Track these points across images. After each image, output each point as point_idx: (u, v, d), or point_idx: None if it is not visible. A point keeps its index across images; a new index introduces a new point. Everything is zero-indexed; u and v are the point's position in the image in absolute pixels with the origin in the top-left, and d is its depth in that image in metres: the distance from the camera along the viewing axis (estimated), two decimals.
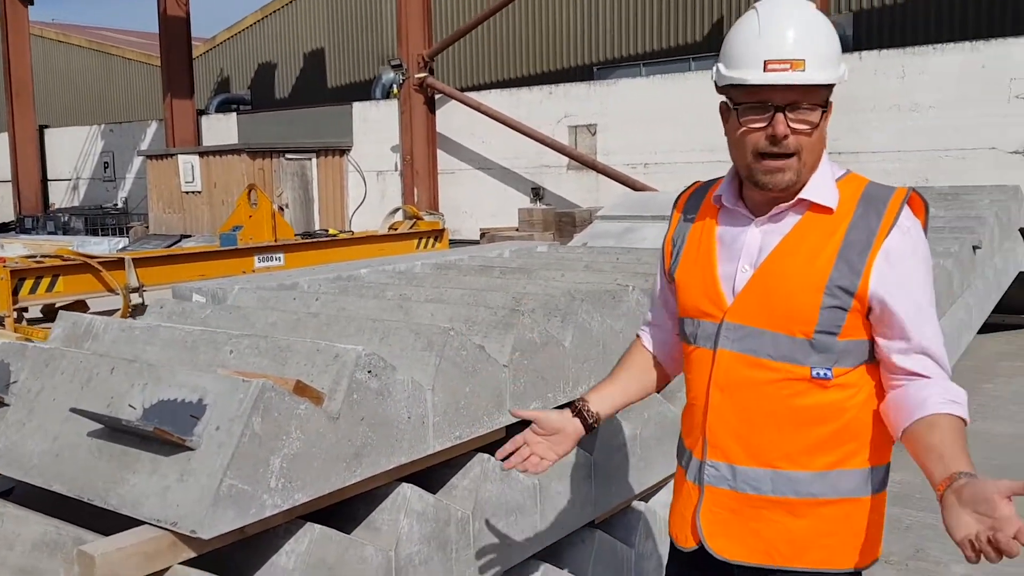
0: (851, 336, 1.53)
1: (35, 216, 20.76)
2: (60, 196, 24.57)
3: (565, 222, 12.27)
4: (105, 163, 23.63)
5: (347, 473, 1.98)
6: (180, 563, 1.74)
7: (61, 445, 2.04)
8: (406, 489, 2.16)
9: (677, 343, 1.80)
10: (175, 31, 19.64)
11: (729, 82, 1.51)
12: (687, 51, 17.07)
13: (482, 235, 12.38)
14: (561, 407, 1.93)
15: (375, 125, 17.32)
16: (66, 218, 20.04)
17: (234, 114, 21.23)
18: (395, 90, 15.96)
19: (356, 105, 17.88)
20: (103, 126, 24.04)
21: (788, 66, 1.44)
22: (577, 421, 1.77)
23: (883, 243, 1.49)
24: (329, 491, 1.95)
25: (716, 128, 1.68)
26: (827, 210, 1.53)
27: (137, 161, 21.79)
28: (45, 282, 6.39)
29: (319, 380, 2.02)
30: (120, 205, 22.44)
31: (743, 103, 1.50)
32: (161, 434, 1.78)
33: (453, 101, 15.45)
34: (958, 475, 1.34)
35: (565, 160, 14.40)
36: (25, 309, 6.26)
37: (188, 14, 19.78)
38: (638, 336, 1.91)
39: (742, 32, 1.51)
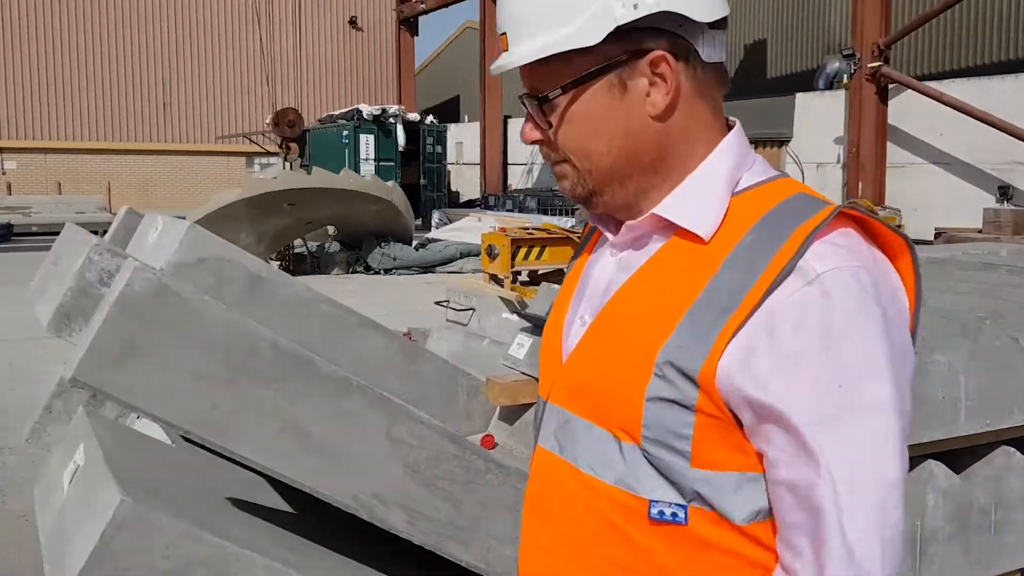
0: (714, 463, 0.89)
1: (496, 195, 24.02)
2: (516, 179, 28.04)
3: None
4: None
5: None
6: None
7: None
8: (932, 465, 2.27)
9: None
10: None
11: None
12: None
13: (937, 235, 11.41)
14: None
15: (817, 116, 16.83)
16: (521, 198, 22.84)
17: None
18: (846, 80, 15.32)
19: (799, 96, 17.54)
20: None
21: (503, 43, 0.97)
22: None
23: (763, 298, 0.85)
24: None
25: None
26: (696, 237, 0.93)
27: None
28: (535, 251, 7.56)
29: None
30: None
31: None
32: None
33: (906, 91, 14.38)
34: None
35: None
36: (519, 272, 7.49)
37: None
38: None
39: None
